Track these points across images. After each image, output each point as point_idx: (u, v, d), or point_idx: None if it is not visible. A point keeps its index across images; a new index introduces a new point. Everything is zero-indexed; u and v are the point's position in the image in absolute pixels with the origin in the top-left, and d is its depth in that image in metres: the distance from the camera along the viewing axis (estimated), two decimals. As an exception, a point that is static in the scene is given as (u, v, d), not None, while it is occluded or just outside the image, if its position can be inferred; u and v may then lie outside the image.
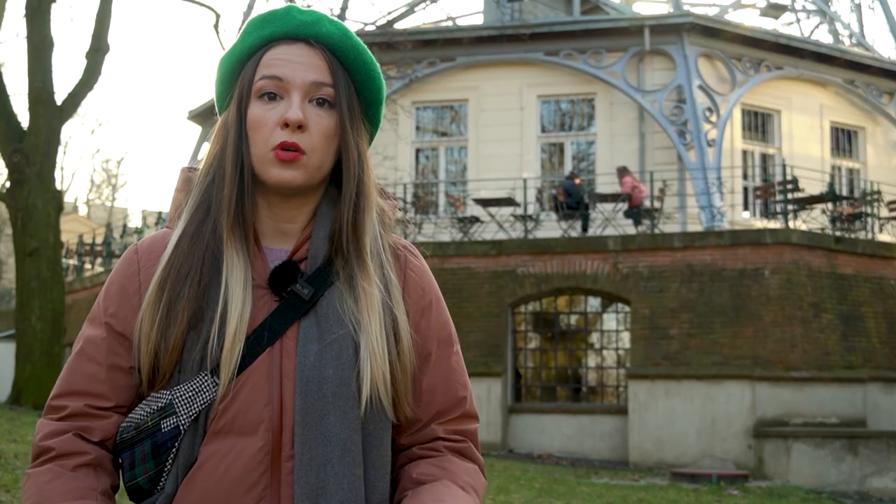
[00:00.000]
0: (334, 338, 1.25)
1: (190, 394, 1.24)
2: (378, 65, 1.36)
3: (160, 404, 1.25)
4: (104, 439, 1.28)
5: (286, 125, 1.25)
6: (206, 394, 1.23)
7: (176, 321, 1.24)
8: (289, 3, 14.50)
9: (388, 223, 1.39)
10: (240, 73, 1.32)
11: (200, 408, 1.23)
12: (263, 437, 1.22)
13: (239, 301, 1.24)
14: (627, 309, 12.18)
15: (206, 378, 1.24)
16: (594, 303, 12.75)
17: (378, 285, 1.30)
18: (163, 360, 1.24)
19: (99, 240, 19.64)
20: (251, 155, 1.28)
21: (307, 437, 1.22)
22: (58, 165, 13.32)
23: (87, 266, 19.59)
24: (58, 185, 12.98)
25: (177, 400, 1.24)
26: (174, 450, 1.24)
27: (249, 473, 1.21)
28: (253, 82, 1.29)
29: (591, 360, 12.65)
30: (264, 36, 1.31)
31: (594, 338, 12.83)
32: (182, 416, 1.24)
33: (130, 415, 1.29)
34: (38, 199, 12.12)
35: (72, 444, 1.25)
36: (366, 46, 1.34)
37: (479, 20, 18.08)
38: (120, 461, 1.29)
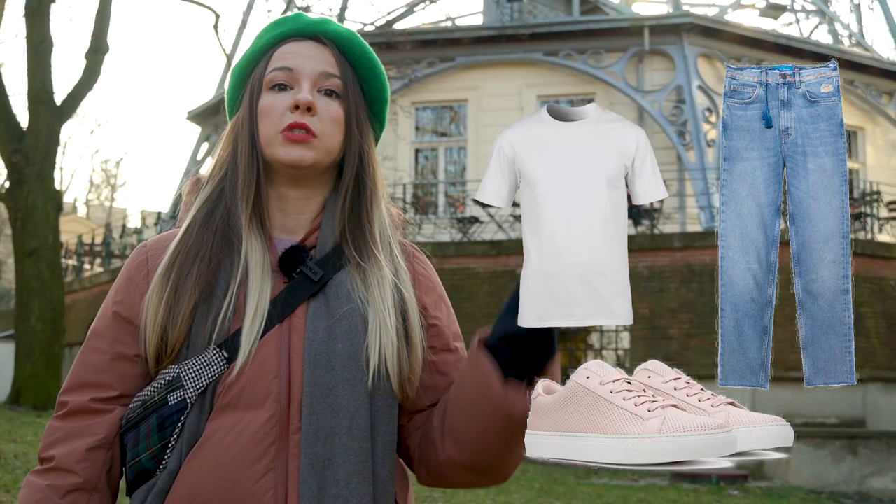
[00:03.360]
0: (343, 313, 1.27)
1: (198, 367, 1.25)
2: (382, 66, 1.43)
3: (167, 378, 1.26)
4: (108, 436, 1.28)
5: (296, 108, 1.30)
6: (214, 367, 1.24)
7: (185, 297, 1.26)
8: (291, 7, 14.47)
9: (396, 221, 1.43)
10: (251, 72, 1.37)
11: (208, 381, 1.24)
12: (271, 409, 1.23)
13: (258, 279, 1.27)
14: (627, 309, 12.18)
15: (214, 352, 1.24)
16: (594, 303, 12.75)
17: (386, 267, 1.33)
18: (171, 336, 1.25)
19: (98, 240, 19.64)
20: (261, 141, 1.32)
21: (315, 409, 1.22)
22: (57, 166, 13.33)
23: (87, 266, 19.59)
24: (57, 186, 12.99)
25: (184, 373, 1.25)
26: (180, 424, 1.24)
27: (257, 445, 1.21)
28: (265, 75, 1.34)
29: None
30: (274, 36, 1.37)
31: (594, 338, 12.84)
32: (189, 389, 1.24)
33: (138, 394, 1.30)
34: (37, 200, 12.12)
35: (70, 457, 1.26)
36: (371, 48, 1.40)
37: (478, 20, 18.08)
38: (124, 446, 1.29)
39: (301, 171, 1.32)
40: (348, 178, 1.35)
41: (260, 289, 1.26)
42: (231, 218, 1.32)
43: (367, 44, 1.39)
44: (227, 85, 1.42)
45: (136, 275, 1.34)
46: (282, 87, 1.32)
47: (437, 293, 1.41)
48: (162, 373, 1.28)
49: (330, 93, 1.33)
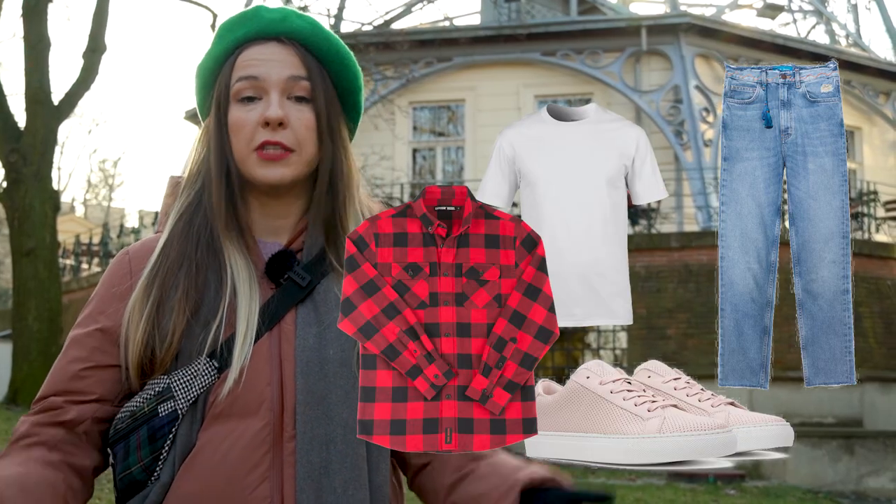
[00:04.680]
0: (332, 319, 1.25)
1: (188, 378, 1.23)
2: (352, 53, 1.38)
3: (157, 389, 1.25)
4: (77, 418, 1.26)
5: (267, 124, 1.27)
6: (205, 378, 1.23)
7: (173, 311, 1.24)
8: (281, 4, 14.42)
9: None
10: (217, 77, 1.34)
11: (199, 391, 1.23)
12: (265, 417, 1.22)
13: (246, 289, 1.25)
14: (625, 309, 12.18)
15: (204, 362, 1.23)
16: (591, 303, 12.74)
17: None
18: (158, 350, 1.24)
19: (96, 240, 19.61)
20: (234, 157, 1.29)
21: (309, 417, 1.22)
22: (55, 165, 13.31)
23: (84, 266, 19.56)
24: (55, 185, 12.97)
25: (174, 384, 1.23)
26: (171, 435, 1.23)
27: (252, 454, 1.20)
28: (230, 86, 1.30)
29: (588, 360, 12.63)
30: (237, 38, 1.32)
31: (591, 338, 12.83)
32: (180, 399, 1.23)
33: (126, 404, 1.28)
34: (35, 199, 12.09)
35: (35, 425, 1.25)
36: (337, 37, 1.35)
37: (476, 20, 18.07)
38: (113, 457, 1.27)
39: (281, 189, 1.31)
40: (322, 182, 1.32)
41: (249, 301, 1.25)
42: (212, 227, 1.30)
43: (332, 34, 1.35)
44: (194, 86, 1.39)
45: (119, 284, 1.32)
46: (250, 99, 1.29)
47: None
48: (150, 384, 1.26)
49: (300, 98, 1.30)
